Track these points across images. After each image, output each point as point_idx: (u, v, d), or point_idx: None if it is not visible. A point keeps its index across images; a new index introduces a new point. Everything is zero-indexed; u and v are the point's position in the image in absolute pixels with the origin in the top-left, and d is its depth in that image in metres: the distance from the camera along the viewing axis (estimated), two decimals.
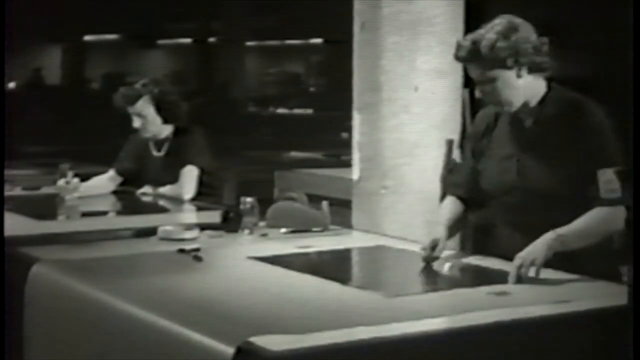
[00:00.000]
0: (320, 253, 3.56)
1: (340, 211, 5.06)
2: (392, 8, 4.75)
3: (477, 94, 3.36)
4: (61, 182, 4.92)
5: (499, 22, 3.31)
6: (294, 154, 10.03)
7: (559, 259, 3.14)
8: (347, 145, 5.16)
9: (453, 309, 2.66)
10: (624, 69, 2.60)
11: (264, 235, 3.86)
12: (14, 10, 5.97)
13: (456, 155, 4.42)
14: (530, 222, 3.24)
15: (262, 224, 3.95)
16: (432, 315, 2.61)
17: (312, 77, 18.49)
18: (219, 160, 5.29)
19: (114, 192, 5.25)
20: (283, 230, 3.91)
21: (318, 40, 17.90)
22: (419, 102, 4.72)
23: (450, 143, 4.00)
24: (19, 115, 9.80)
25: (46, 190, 5.25)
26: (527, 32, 3.31)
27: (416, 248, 3.57)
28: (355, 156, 4.96)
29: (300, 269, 3.23)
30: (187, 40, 18.77)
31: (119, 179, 5.29)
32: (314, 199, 4.19)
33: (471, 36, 3.31)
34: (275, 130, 13.86)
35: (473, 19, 5.01)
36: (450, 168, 3.70)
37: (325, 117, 13.26)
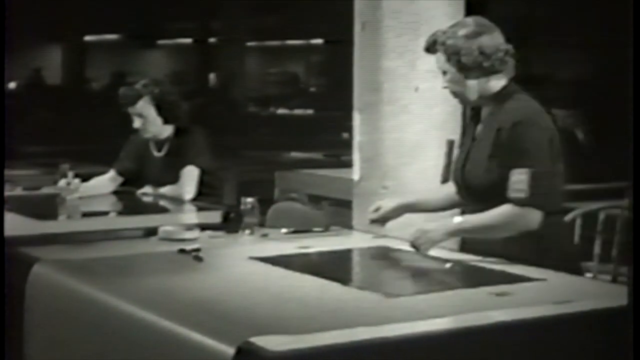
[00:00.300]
0: (320, 253, 3.56)
1: (341, 211, 5.07)
2: (392, 8, 4.75)
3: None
4: (62, 182, 4.92)
5: (466, 23, 3.49)
6: (295, 154, 10.03)
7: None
8: (347, 145, 5.17)
9: (453, 309, 2.66)
10: (624, 69, 2.60)
11: (265, 235, 3.86)
12: (14, 10, 5.97)
13: (456, 155, 4.43)
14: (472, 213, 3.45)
15: (262, 224, 3.94)
16: (433, 316, 2.60)
17: (312, 77, 18.50)
18: (220, 161, 5.29)
19: (115, 192, 5.24)
20: (284, 230, 3.90)
21: (318, 41, 17.91)
22: (419, 102, 4.72)
23: (451, 143, 4.03)
24: (19, 115, 9.80)
25: (46, 190, 5.25)
26: (488, 37, 3.43)
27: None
28: (356, 156, 4.96)
29: (301, 269, 3.23)
30: (187, 41, 18.78)
31: (120, 179, 5.29)
32: (315, 200, 4.20)
33: (439, 29, 3.53)
34: (276, 131, 13.86)
35: None
36: None
37: (326, 118, 13.27)
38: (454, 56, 3.41)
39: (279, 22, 16.85)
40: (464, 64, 3.41)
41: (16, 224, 4.00)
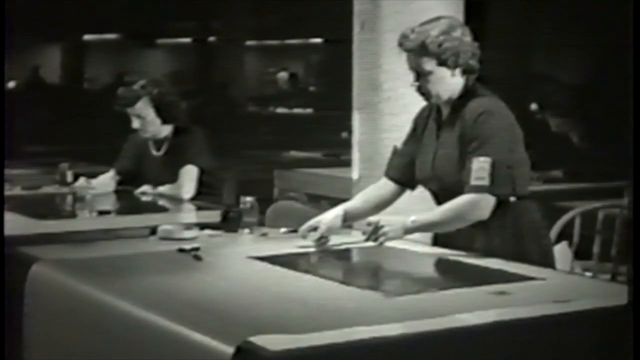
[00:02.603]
0: (320, 253, 3.56)
1: None
2: (391, 8, 4.75)
3: (411, 83, 3.54)
4: (81, 180, 4.98)
5: (445, 22, 3.52)
6: (294, 153, 10.00)
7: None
8: (347, 144, 5.17)
9: (453, 309, 2.66)
10: (623, 70, 2.60)
11: (264, 234, 3.86)
12: (14, 10, 5.97)
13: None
14: None
15: (261, 223, 3.95)
16: (432, 315, 2.60)
17: (312, 76, 18.49)
18: (219, 160, 5.29)
19: (113, 192, 5.25)
20: (283, 229, 3.90)
21: (318, 40, 17.92)
22: (418, 102, 4.72)
23: (395, 149, 3.99)
24: (19, 115, 9.78)
25: (46, 189, 5.25)
26: (467, 36, 3.52)
27: (416, 248, 3.58)
28: (355, 156, 4.97)
29: (300, 268, 3.23)
30: (187, 40, 18.78)
31: (118, 178, 5.30)
32: (314, 199, 4.19)
33: (419, 29, 3.50)
34: (275, 130, 13.84)
35: (473, 18, 5.01)
36: (392, 152, 3.87)
37: (325, 117, 13.24)
38: (451, 57, 3.44)
39: (279, 21, 16.84)
40: (459, 64, 3.47)
41: (16, 224, 4.00)
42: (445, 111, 3.56)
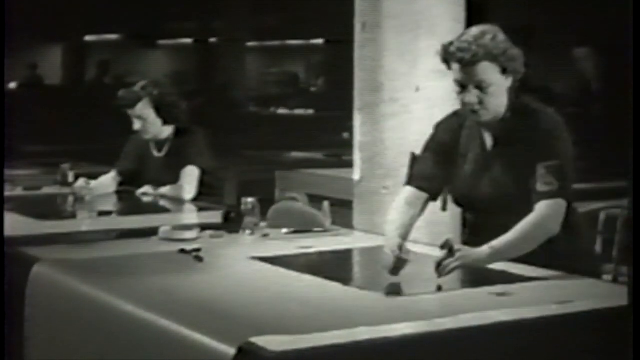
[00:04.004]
0: (321, 253, 3.56)
1: (341, 211, 5.06)
2: (393, 8, 4.75)
3: (462, 98, 3.22)
4: (81, 182, 4.98)
5: (496, 29, 3.22)
6: (295, 154, 10.01)
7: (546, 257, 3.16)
8: (348, 145, 5.17)
9: (454, 309, 2.66)
10: (623, 70, 2.60)
11: (265, 235, 3.86)
12: (14, 10, 5.97)
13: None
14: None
15: (263, 224, 3.95)
16: (433, 316, 2.61)
17: (312, 77, 18.48)
18: (220, 161, 5.29)
19: (115, 192, 5.26)
20: (284, 230, 3.90)
21: (319, 41, 17.90)
22: (419, 102, 4.72)
23: (413, 156, 3.75)
24: (19, 115, 9.79)
25: (47, 190, 5.26)
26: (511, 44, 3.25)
27: (417, 248, 3.58)
28: (356, 156, 4.96)
29: (301, 269, 3.24)
30: (188, 40, 18.77)
31: (120, 179, 5.31)
32: (315, 199, 4.19)
33: (468, 38, 3.16)
34: (276, 131, 13.84)
35: (474, 19, 5.02)
36: (411, 161, 3.60)
37: (326, 118, 13.24)
38: (512, 65, 3.18)
39: (279, 22, 16.84)
40: (519, 71, 3.21)
41: (16, 224, 4.00)
42: (495, 127, 3.28)
